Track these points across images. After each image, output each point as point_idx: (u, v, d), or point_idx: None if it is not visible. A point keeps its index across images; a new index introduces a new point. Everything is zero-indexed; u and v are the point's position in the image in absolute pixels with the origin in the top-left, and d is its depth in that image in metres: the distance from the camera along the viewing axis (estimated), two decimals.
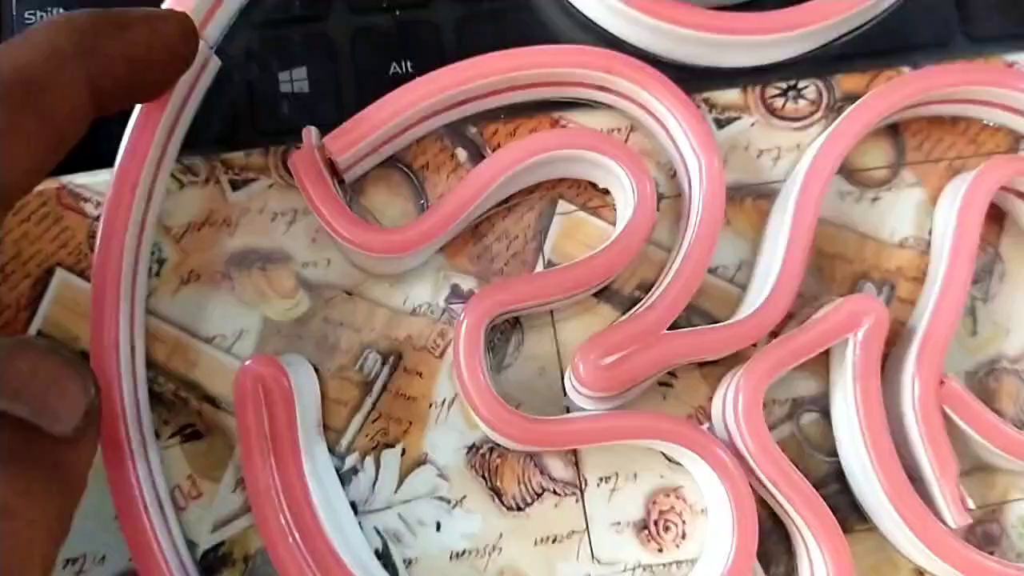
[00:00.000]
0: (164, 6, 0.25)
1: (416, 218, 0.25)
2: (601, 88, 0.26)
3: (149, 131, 0.24)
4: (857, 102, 0.26)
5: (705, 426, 0.25)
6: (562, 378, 0.26)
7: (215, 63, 0.27)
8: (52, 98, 0.19)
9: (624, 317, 0.25)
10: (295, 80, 0.27)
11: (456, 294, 0.26)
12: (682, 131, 0.25)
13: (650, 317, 0.24)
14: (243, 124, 0.27)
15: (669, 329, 0.24)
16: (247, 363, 0.23)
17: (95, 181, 0.26)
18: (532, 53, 0.26)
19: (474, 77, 0.25)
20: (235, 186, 0.26)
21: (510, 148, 0.25)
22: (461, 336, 0.23)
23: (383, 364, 0.25)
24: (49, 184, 0.26)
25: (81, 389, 0.18)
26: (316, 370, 0.25)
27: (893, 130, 0.28)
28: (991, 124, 0.28)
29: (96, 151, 0.24)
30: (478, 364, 0.23)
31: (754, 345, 0.25)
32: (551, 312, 0.26)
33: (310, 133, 0.25)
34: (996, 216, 0.27)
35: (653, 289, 0.25)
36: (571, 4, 0.28)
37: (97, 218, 0.25)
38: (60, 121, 0.19)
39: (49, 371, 0.18)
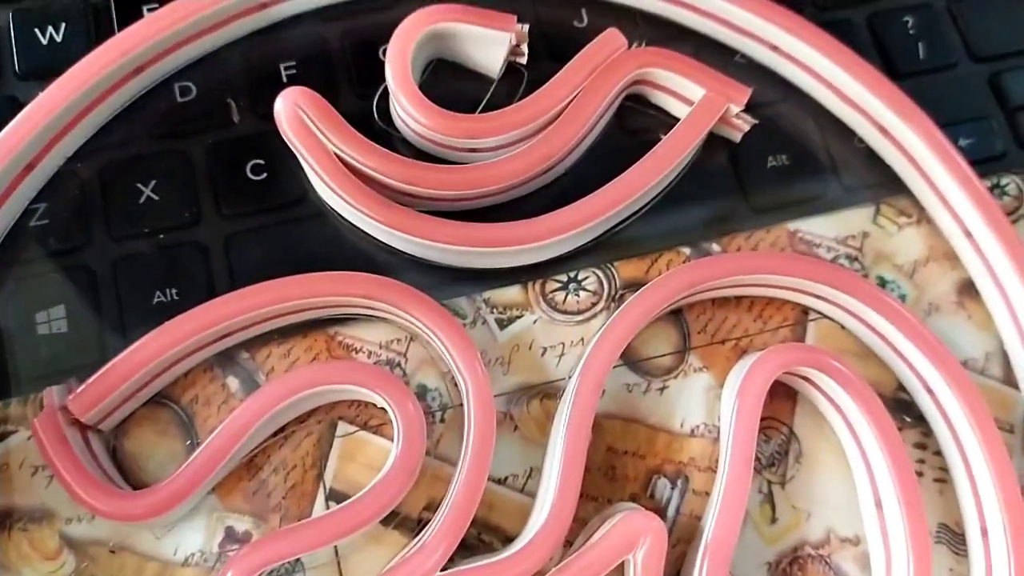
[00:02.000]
0: None
1: (175, 470, 0.24)
2: (369, 308, 0.26)
3: None
4: (632, 296, 0.26)
5: None
6: None
7: None
8: None
9: (407, 552, 0.24)
10: (52, 320, 0.26)
11: (231, 537, 0.25)
12: (444, 349, 0.25)
13: (420, 558, 0.23)
14: (2, 371, 0.26)
15: (451, 559, 0.23)
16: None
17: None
18: (293, 283, 0.25)
19: (236, 312, 0.25)
20: None
21: (271, 386, 0.24)
22: None
23: None
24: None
25: None
26: None
27: (677, 314, 0.27)
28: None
29: None
30: None
31: None
32: (335, 546, 0.25)
33: (51, 395, 0.23)
34: (788, 394, 0.27)
35: (437, 511, 0.24)
36: (341, 217, 0.27)
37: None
38: None
39: None
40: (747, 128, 0.28)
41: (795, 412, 0.27)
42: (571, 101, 0.27)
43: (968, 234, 0.27)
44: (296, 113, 0.25)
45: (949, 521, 0.26)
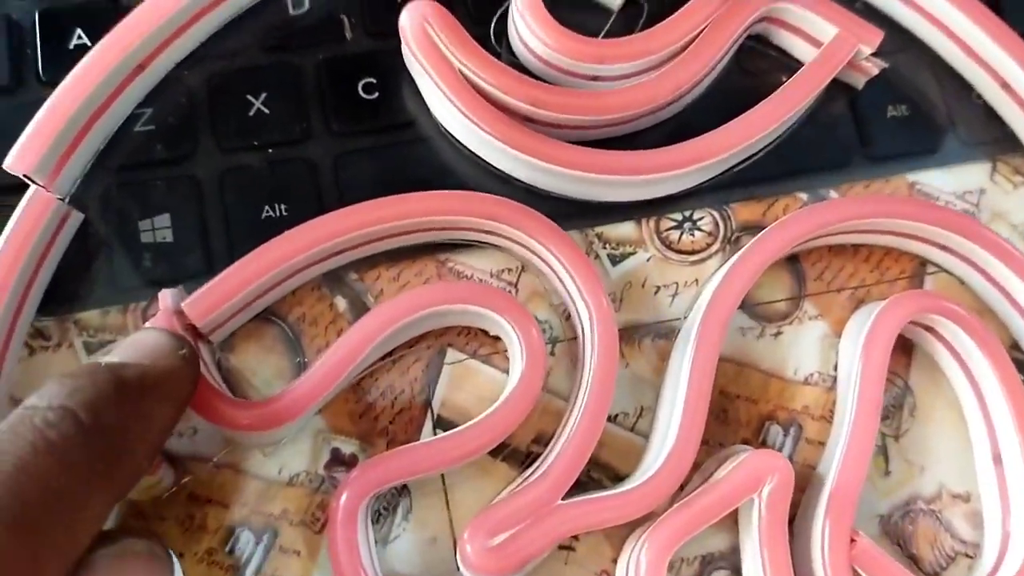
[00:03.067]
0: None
1: (289, 384, 0.23)
2: (488, 232, 0.25)
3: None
4: (754, 239, 0.25)
5: None
6: (454, 548, 0.24)
7: (76, 217, 0.25)
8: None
9: (517, 484, 0.23)
10: (157, 229, 0.25)
11: (337, 459, 0.24)
12: (570, 277, 0.24)
13: (542, 487, 0.22)
14: (101, 279, 0.25)
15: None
16: None
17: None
18: (413, 200, 0.24)
19: (353, 227, 0.24)
20: (90, 349, 0.24)
21: (388, 305, 0.23)
22: (337, 521, 0.21)
23: (256, 544, 0.23)
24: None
25: None
26: (181, 556, 0.23)
27: (793, 260, 0.27)
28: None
29: None
30: (356, 551, 0.21)
31: None
32: (442, 475, 0.24)
33: (166, 297, 0.23)
34: (904, 347, 0.26)
35: (551, 444, 0.24)
36: (456, 140, 0.26)
37: None
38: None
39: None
40: (876, 72, 0.27)
41: (911, 366, 0.26)
42: (700, 32, 0.26)
43: None
44: (423, 26, 0.25)
45: None
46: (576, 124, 0.26)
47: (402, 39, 0.25)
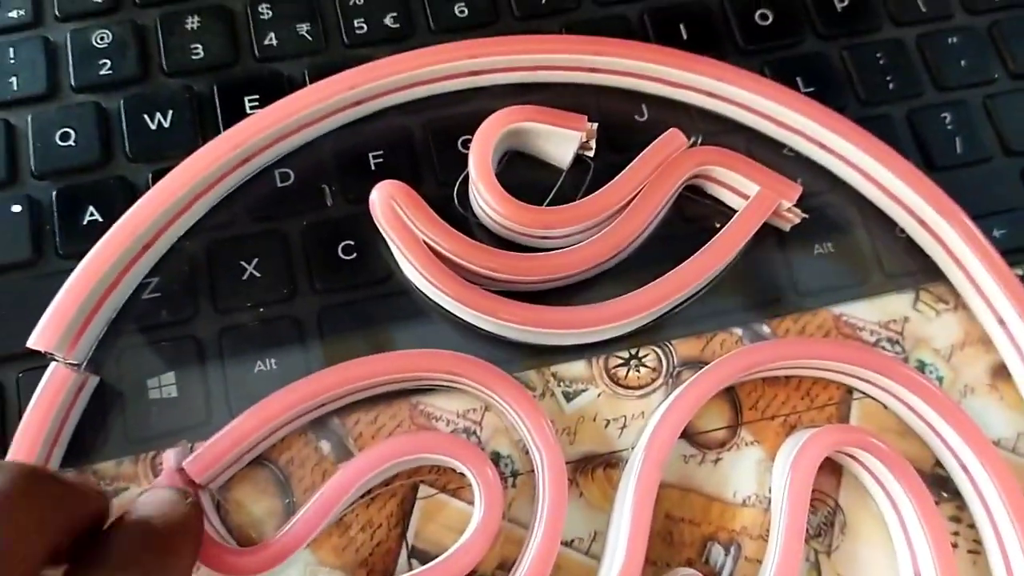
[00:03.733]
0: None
1: (282, 526, 0.26)
2: (452, 380, 0.28)
3: (25, 454, 0.25)
4: (689, 380, 0.28)
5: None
6: None
7: (93, 381, 0.28)
8: None
9: None
10: (163, 386, 0.29)
11: None
12: (524, 425, 0.27)
13: None
14: (115, 432, 0.28)
15: None
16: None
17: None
18: (385, 359, 0.27)
19: (333, 386, 0.27)
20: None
21: (364, 456, 0.27)
22: None
23: None
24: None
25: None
26: None
27: (729, 391, 0.30)
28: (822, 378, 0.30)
29: None
30: None
31: None
32: None
33: (169, 458, 0.26)
34: (834, 468, 0.29)
35: (512, 571, 0.27)
36: (424, 295, 0.30)
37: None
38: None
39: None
40: (797, 221, 0.30)
41: (840, 486, 0.29)
42: (636, 195, 0.29)
43: (1001, 321, 0.29)
44: (390, 203, 0.28)
45: None
46: (530, 281, 0.29)
47: (372, 215, 0.28)
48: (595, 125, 0.30)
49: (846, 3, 0.35)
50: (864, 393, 0.30)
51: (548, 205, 0.31)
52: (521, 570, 0.26)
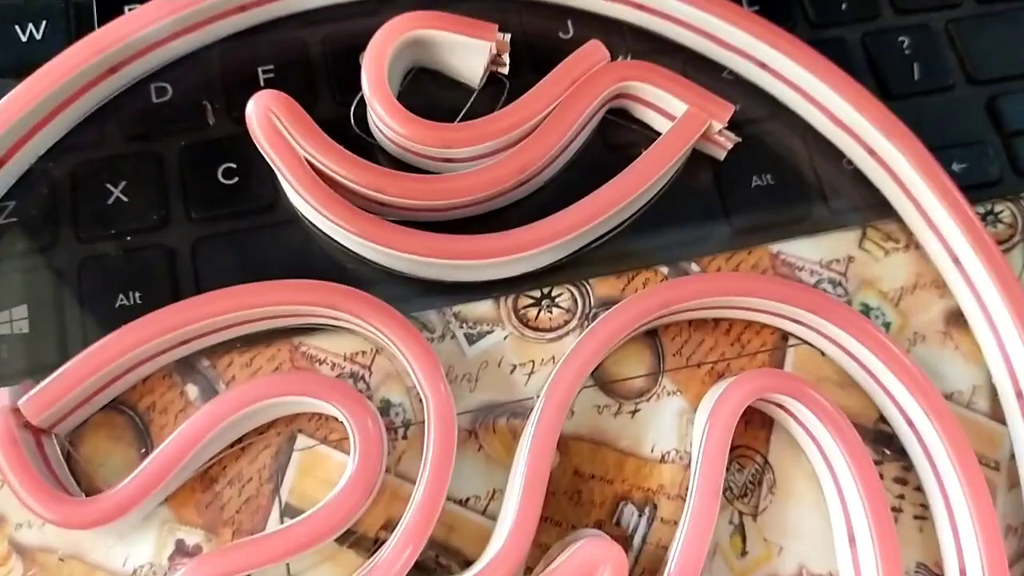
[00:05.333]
0: None
1: (127, 477, 0.23)
2: (336, 317, 0.25)
3: None
4: (601, 316, 0.25)
5: None
6: None
7: None
8: None
9: (361, 571, 0.23)
10: (14, 320, 0.26)
11: (181, 550, 0.24)
12: (411, 366, 0.24)
13: (378, 573, 0.22)
14: None
15: None
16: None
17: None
18: (256, 290, 0.24)
19: (196, 318, 0.24)
20: None
21: (226, 397, 0.24)
22: None
23: None
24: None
25: None
26: None
27: (652, 335, 0.26)
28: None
29: None
30: None
31: None
32: (287, 565, 0.24)
33: (3, 396, 0.23)
34: (764, 421, 0.26)
35: (393, 533, 0.24)
36: (312, 224, 0.26)
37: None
38: None
39: None
40: (730, 146, 0.27)
41: (770, 440, 0.26)
42: (550, 113, 0.26)
43: (957, 261, 0.26)
44: (268, 116, 0.25)
45: (928, 560, 0.25)
46: (427, 207, 0.26)
47: (248, 129, 0.25)
48: (507, 36, 0.27)
49: None
50: (800, 339, 0.27)
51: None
52: (400, 528, 0.23)
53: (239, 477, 0.25)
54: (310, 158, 0.25)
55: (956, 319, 0.27)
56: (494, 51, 0.27)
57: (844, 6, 0.31)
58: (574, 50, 0.27)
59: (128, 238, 0.26)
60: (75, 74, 0.26)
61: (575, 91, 0.26)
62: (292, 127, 0.25)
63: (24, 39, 0.29)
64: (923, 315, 0.27)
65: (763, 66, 0.28)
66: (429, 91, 0.29)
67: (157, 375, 0.25)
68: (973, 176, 0.29)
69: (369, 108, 0.26)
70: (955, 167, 0.29)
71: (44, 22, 0.29)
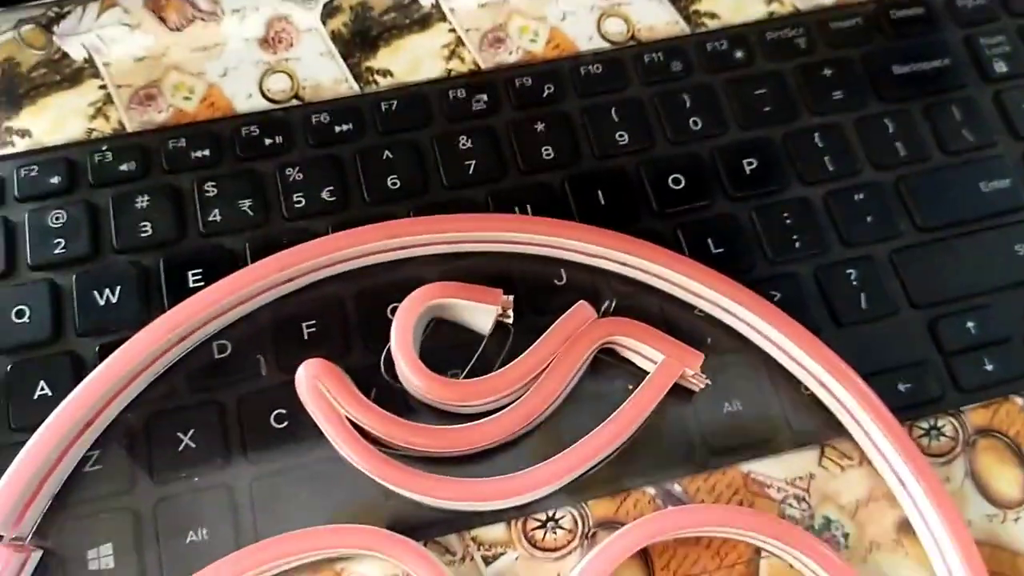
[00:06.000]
0: None
1: None
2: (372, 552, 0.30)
3: None
4: (600, 544, 0.29)
5: None
6: None
7: (37, 554, 0.30)
8: None
9: None
10: (101, 556, 0.30)
11: None
12: None
13: None
14: None
15: None
16: None
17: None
18: (299, 537, 0.29)
19: (251, 566, 0.29)
20: None
21: None
22: None
23: None
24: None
25: None
26: None
27: (643, 551, 0.31)
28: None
29: None
30: None
31: None
32: None
33: None
34: None
35: None
36: (352, 464, 0.31)
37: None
38: None
39: None
40: (701, 387, 0.32)
41: None
42: (548, 366, 0.31)
43: (901, 482, 0.31)
44: (314, 383, 0.30)
45: None
46: (448, 452, 0.31)
47: (298, 393, 0.30)
48: (511, 297, 0.32)
49: (755, 165, 0.37)
50: (771, 552, 0.31)
51: (470, 369, 0.32)
52: None
53: None
54: (349, 416, 0.30)
55: (906, 528, 0.32)
56: (499, 310, 0.32)
57: (797, 244, 0.36)
58: (568, 293, 0.33)
59: (195, 479, 0.31)
60: (154, 348, 0.31)
61: (568, 347, 0.31)
62: (334, 390, 0.30)
63: (102, 303, 0.34)
64: (877, 525, 0.32)
65: (726, 311, 0.33)
66: (448, 334, 0.34)
67: None
68: (917, 395, 0.33)
69: (396, 365, 0.32)
70: (901, 387, 0.33)
71: (119, 287, 0.34)
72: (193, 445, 0.32)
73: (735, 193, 0.37)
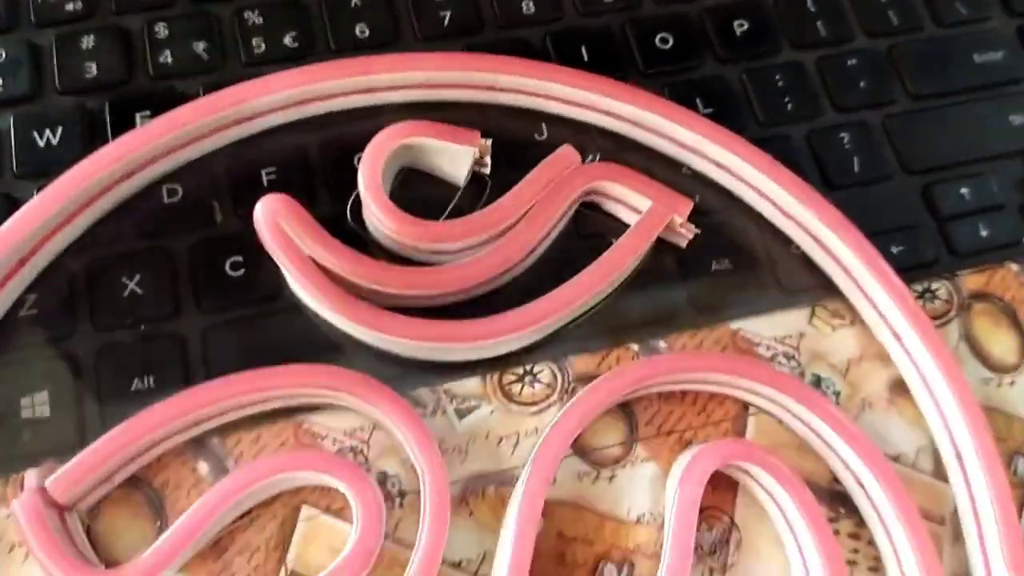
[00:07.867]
0: None
1: (146, 551, 0.25)
2: (334, 397, 0.27)
3: None
4: (582, 390, 0.28)
5: None
6: None
7: None
8: None
9: None
10: (36, 405, 0.28)
11: None
12: (406, 440, 0.26)
13: None
14: None
15: None
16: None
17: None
18: (261, 375, 0.27)
19: (207, 402, 0.26)
20: None
21: (237, 475, 0.26)
22: None
23: None
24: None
25: None
26: None
27: (625, 407, 0.29)
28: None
29: None
30: None
31: None
32: None
33: (30, 477, 0.25)
34: (730, 484, 0.28)
35: None
36: (316, 313, 0.29)
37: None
38: None
39: None
40: (690, 237, 0.30)
41: (736, 502, 0.28)
42: (528, 211, 0.29)
43: (896, 336, 0.29)
44: (274, 219, 0.28)
45: None
46: (420, 296, 0.28)
47: (256, 231, 0.28)
48: (489, 141, 0.30)
49: (745, 27, 0.35)
50: (759, 408, 0.29)
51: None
52: None
53: (248, 546, 0.27)
54: (313, 256, 0.28)
55: (899, 387, 0.30)
56: (477, 155, 0.30)
57: (789, 107, 0.34)
58: (549, 151, 0.31)
59: (142, 327, 0.29)
60: (93, 181, 0.28)
61: (550, 191, 0.29)
62: (295, 227, 0.28)
63: (42, 144, 0.31)
64: (869, 385, 0.30)
65: (718, 164, 0.31)
66: (418, 188, 0.32)
67: (171, 453, 0.27)
68: (911, 258, 0.32)
69: (364, 207, 0.29)
70: (894, 250, 0.32)
71: (60, 128, 0.31)
72: (140, 291, 0.29)
73: (725, 55, 0.35)
